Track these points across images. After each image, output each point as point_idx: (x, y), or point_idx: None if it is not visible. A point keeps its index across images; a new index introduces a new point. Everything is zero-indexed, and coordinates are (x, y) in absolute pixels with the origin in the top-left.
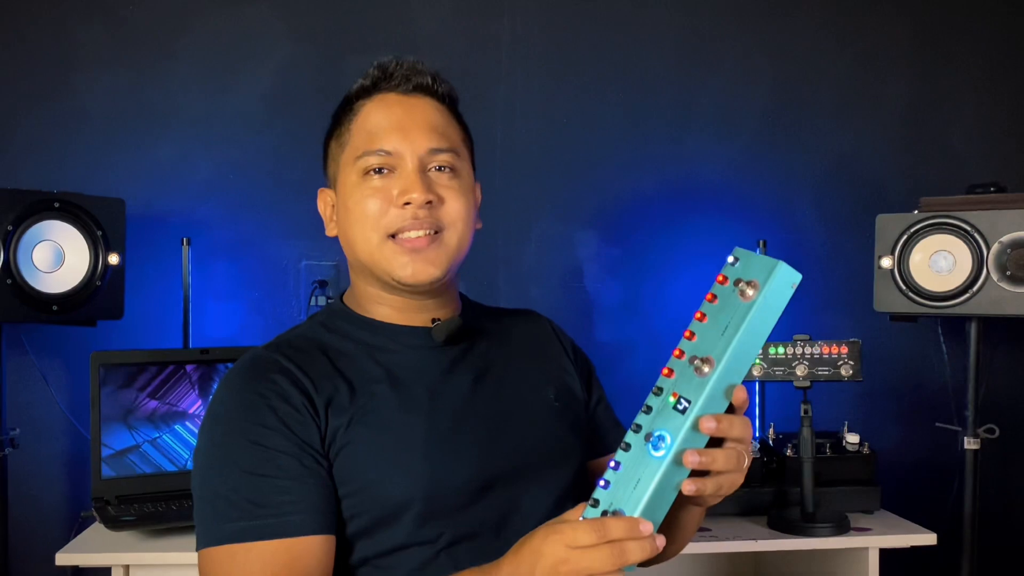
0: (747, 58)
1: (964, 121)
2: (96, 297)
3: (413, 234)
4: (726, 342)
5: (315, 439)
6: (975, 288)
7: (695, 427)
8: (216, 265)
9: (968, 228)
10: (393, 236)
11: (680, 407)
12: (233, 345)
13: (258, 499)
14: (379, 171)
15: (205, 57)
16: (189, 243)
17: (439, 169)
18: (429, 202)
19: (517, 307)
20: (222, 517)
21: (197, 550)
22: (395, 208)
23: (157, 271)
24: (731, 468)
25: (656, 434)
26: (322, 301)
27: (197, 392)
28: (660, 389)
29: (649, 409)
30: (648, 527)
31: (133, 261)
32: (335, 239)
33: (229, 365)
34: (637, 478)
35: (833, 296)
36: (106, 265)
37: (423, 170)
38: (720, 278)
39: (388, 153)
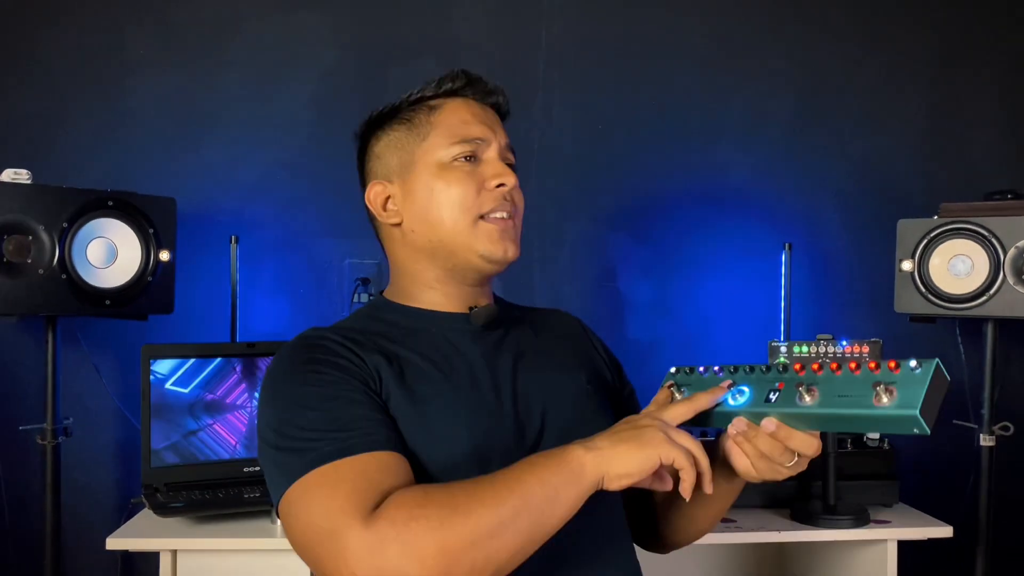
0: (774, 68)
1: (983, 131)
2: (147, 292)
3: (502, 214)
4: (832, 406)
5: (374, 388)
6: (992, 291)
7: (760, 416)
8: (263, 262)
9: (986, 233)
10: (482, 217)
11: (771, 397)
12: (278, 340)
13: (340, 426)
14: (469, 159)
15: (254, 61)
16: (237, 241)
17: (510, 165)
18: (515, 187)
19: (551, 305)
20: (306, 450)
21: (278, 499)
22: (486, 191)
23: (206, 268)
24: (761, 460)
25: (739, 387)
26: (364, 298)
27: (243, 384)
28: (781, 368)
29: (753, 370)
30: (722, 390)
31: (183, 258)
32: (376, 239)
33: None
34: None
35: (855, 297)
36: (157, 261)
37: (505, 160)
38: (873, 364)
39: (481, 140)
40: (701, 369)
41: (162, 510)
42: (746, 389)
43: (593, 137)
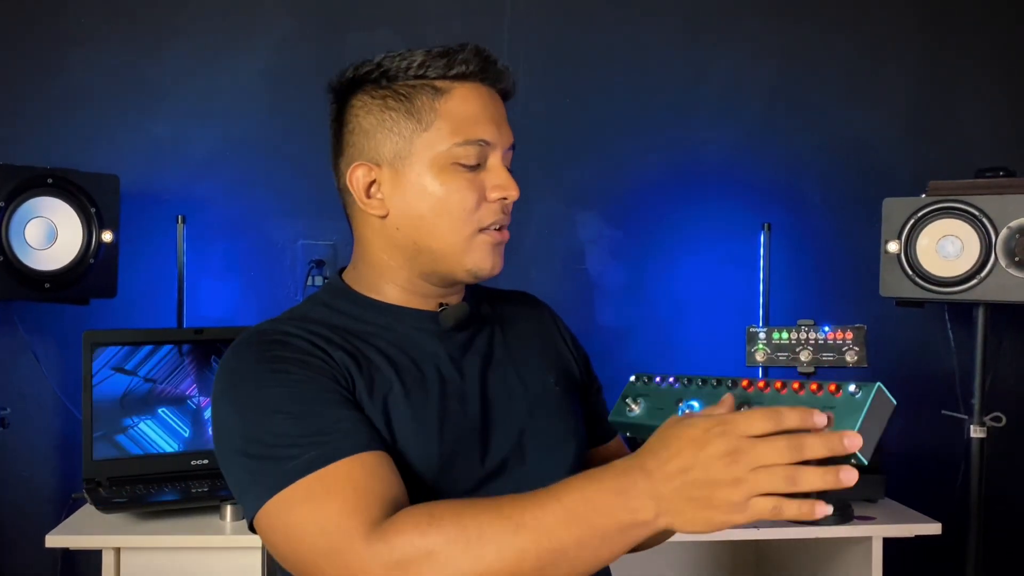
0: (754, 39)
1: (973, 104)
2: (89, 275)
3: (498, 227)
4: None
5: (344, 386)
6: (983, 274)
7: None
8: (211, 244)
9: (976, 213)
10: (481, 230)
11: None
12: (228, 325)
13: (317, 431)
14: (474, 167)
15: (203, 31)
16: (184, 221)
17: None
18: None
19: (517, 288)
20: (285, 459)
21: (254, 512)
22: (487, 203)
23: (151, 249)
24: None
25: (688, 402)
26: (318, 281)
27: (191, 373)
28: (730, 384)
29: (705, 383)
30: (822, 418)
31: (127, 239)
32: (334, 218)
33: (223, 346)
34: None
35: (838, 281)
36: (99, 243)
37: (508, 167)
38: (815, 386)
39: (487, 144)
40: (658, 379)
41: (104, 505)
42: (696, 404)
43: (561, 111)
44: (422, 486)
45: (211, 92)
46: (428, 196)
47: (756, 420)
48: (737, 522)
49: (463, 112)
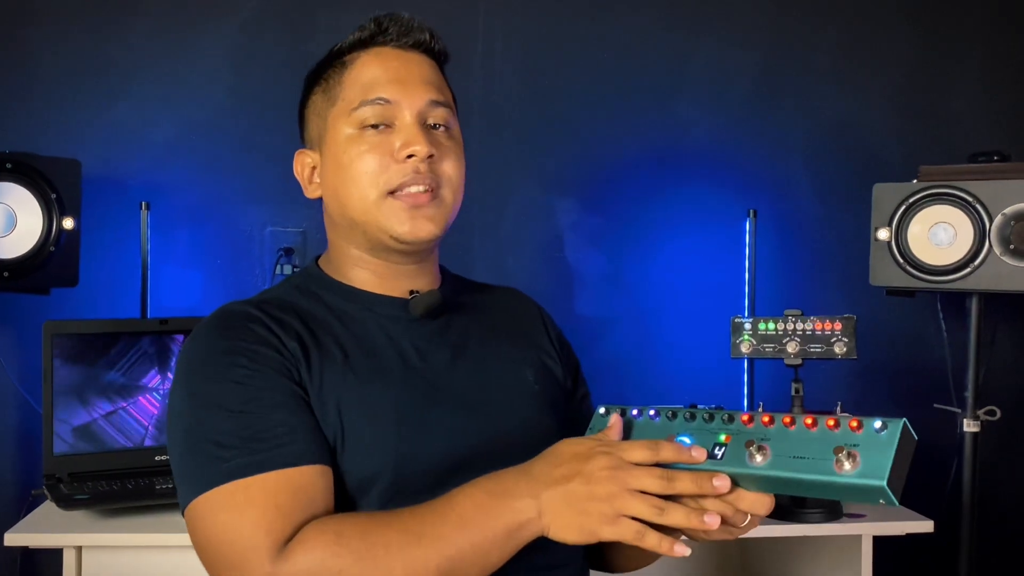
0: (740, 19)
1: (967, 85)
2: (49, 263)
3: (414, 189)
4: (786, 468)
5: (296, 380)
6: (976, 262)
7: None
8: (177, 231)
9: (970, 199)
10: (392, 193)
11: (717, 452)
12: (193, 315)
13: (252, 435)
14: (376, 127)
15: (168, 11)
16: (148, 207)
17: (435, 127)
18: (431, 156)
19: (493, 278)
20: (216, 459)
21: (184, 506)
22: (396, 163)
23: (114, 237)
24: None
25: (680, 438)
26: (287, 269)
27: (155, 364)
28: (726, 419)
29: (694, 417)
30: (701, 453)
31: (89, 226)
32: (304, 204)
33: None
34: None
35: (827, 269)
36: (60, 230)
37: (422, 124)
38: (832, 422)
39: (387, 101)
40: (634, 412)
41: (65, 502)
42: (687, 440)
43: (539, 93)
44: (377, 480)
45: (176, 74)
46: (341, 167)
47: (637, 449)
48: (606, 535)
49: (362, 78)
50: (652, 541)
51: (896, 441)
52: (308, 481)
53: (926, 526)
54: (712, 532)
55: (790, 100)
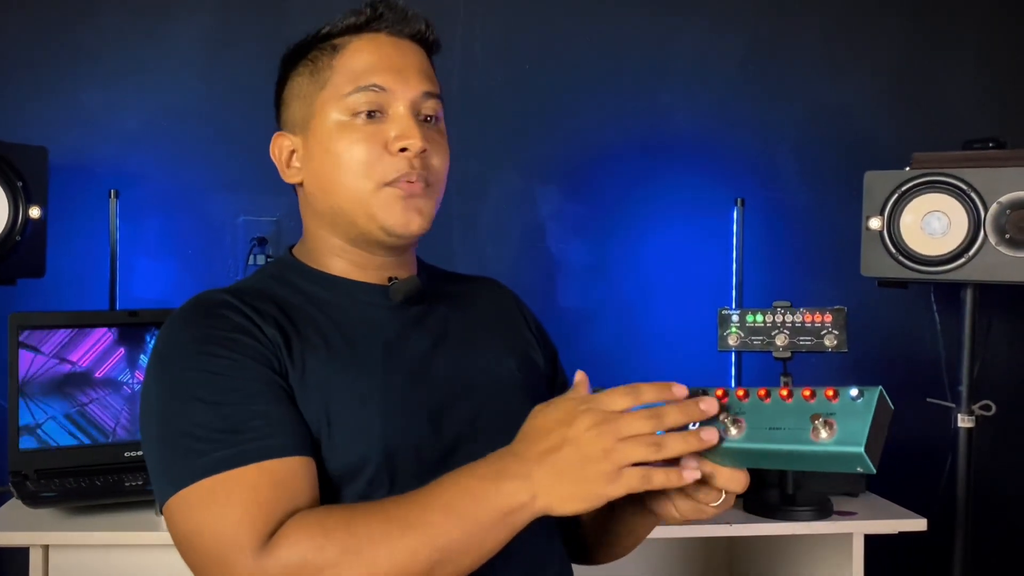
0: (726, 1)
1: (961, 69)
2: (15, 253)
3: (408, 181)
4: (762, 440)
5: (276, 368)
6: (971, 252)
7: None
8: (147, 220)
9: (964, 187)
10: (386, 185)
11: (690, 427)
12: (164, 307)
13: (231, 427)
14: (370, 115)
15: None
16: (117, 196)
17: (426, 120)
18: (424, 151)
19: (473, 268)
20: (194, 454)
21: (162, 503)
22: (388, 155)
23: (82, 226)
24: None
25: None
26: (261, 260)
27: (124, 358)
28: (701, 393)
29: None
30: (682, 389)
31: (56, 215)
32: (277, 193)
33: (158, 329)
34: None
35: (816, 260)
36: (26, 219)
37: (416, 115)
38: (807, 392)
39: (382, 88)
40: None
41: (32, 500)
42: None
43: (520, 78)
44: (365, 466)
45: (146, 58)
46: (329, 155)
47: (617, 396)
48: (611, 494)
49: (356, 62)
50: (660, 479)
51: (873, 408)
52: (290, 473)
53: (919, 524)
54: (685, 511)
55: (778, 85)
